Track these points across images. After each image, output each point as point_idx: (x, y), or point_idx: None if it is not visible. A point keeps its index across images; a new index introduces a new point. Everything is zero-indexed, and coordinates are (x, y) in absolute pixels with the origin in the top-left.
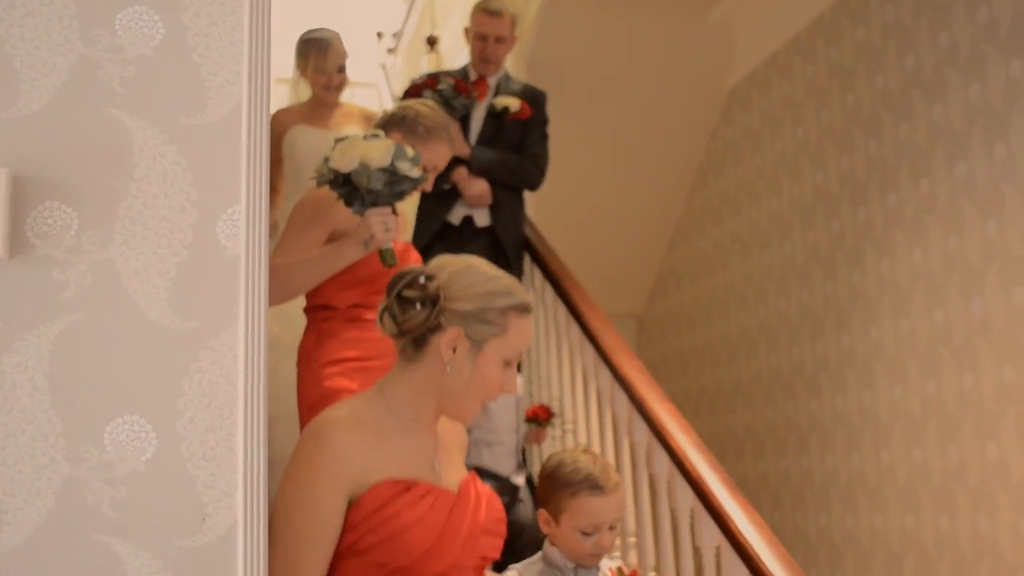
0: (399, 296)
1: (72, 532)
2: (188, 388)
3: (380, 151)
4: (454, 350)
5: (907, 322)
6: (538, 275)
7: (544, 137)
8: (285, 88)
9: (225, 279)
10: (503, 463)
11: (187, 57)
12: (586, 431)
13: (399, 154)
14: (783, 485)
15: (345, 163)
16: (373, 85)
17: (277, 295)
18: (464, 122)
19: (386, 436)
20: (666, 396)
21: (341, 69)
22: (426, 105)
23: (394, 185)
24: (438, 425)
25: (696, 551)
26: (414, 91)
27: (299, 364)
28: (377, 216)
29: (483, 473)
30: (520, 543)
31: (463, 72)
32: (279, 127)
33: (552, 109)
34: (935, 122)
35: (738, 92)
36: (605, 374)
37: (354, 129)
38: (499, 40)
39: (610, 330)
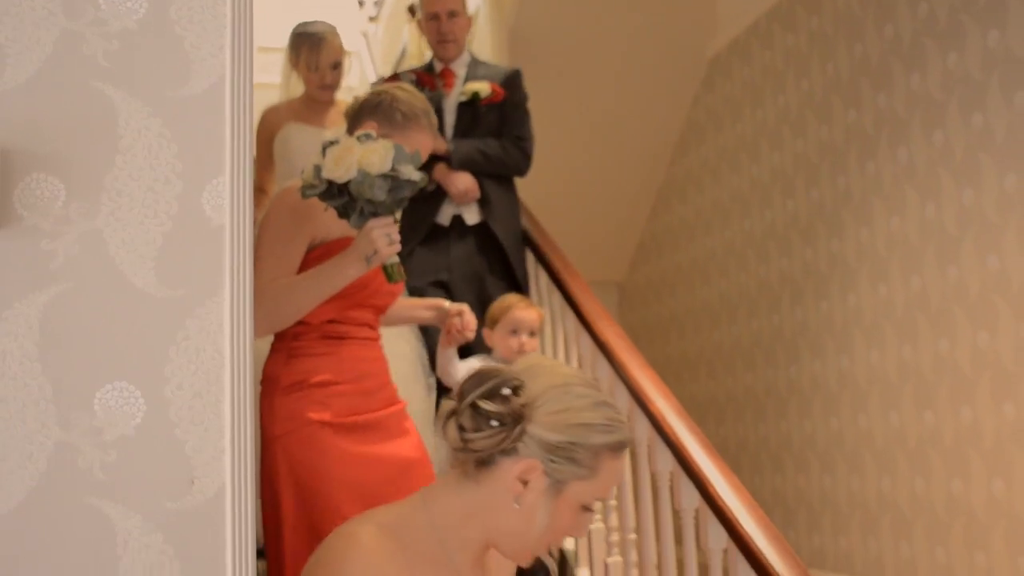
0: (473, 407)
1: (64, 495)
2: (175, 355)
3: (379, 155)
4: (525, 483)
5: (885, 288)
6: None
7: (525, 116)
8: (267, 57)
9: (210, 249)
10: None
11: (170, 30)
12: None
13: (399, 156)
14: (762, 449)
15: (341, 172)
16: (355, 54)
17: (266, 322)
18: (437, 117)
19: (425, 566)
20: (647, 362)
21: (336, 66)
22: (403, 89)
23: (395, 192)
24: (488, 557)
25: (676, 514)
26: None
27: (263, 386)
28: (380, 228)
29: None
30: None
31: (427, 67)
32: (270, 126)
33: (534, 78)
34: (913, 91)
35: (719, 60)
36: (586, 340)
37: None
38: (452, 15)
39: (591, 297)
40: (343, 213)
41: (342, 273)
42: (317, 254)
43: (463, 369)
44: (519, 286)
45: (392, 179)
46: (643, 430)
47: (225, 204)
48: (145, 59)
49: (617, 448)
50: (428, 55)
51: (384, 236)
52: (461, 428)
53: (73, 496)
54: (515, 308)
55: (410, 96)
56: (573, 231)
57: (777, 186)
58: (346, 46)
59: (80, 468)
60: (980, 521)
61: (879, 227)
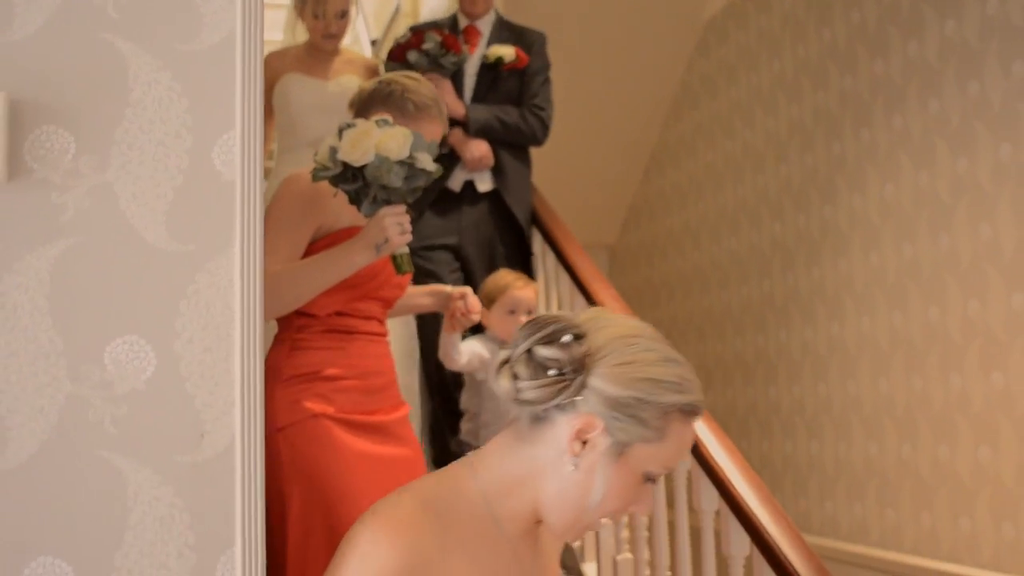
0: (530, 353)
1: (75, 448)
2: (186, 309)
3: (398, 141)
4: (584, 443)
5: (877, 256)
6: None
7: (546, 84)
8: (277, 14)
9: (221, 203)
10: None
11: None
12: None
13: (418, 144)
14: (751, 414)
15: (358, 155)
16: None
17: (269, 307)
18: (456, 78)
19: (477, 542)
20: None
21: (342, 15)
22: (411, 78)
23: (411, 180)
24: (541, 532)
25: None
26: (398, 52)
27: (266, 380)
28: (392, 216)
29: None
30: None
31: (451, 21)
32: (271, 74)
33: None
34: (910, 58)
35: (715, 24)
36: (580, 303)
37: (352, 80)
38: None
39: (586, 259)
40: (355, 199)
41: (349, 260)
42: (324, 243)
43: (466, 352)
44: (529, 256)
45: (409, 166)
46: None
47: (236, 159)
48: (155, 12)
49: (689, 411)
50: (425, 12)
51: (396, 224)
52: (515, 377)
53: (84, 449)
54: (512, 287)
55: (421, 86)
56: (565, 194)
57: (771, 152)
58: None
59: (91, 421)
60: (966, 487)
61: (872, 194)
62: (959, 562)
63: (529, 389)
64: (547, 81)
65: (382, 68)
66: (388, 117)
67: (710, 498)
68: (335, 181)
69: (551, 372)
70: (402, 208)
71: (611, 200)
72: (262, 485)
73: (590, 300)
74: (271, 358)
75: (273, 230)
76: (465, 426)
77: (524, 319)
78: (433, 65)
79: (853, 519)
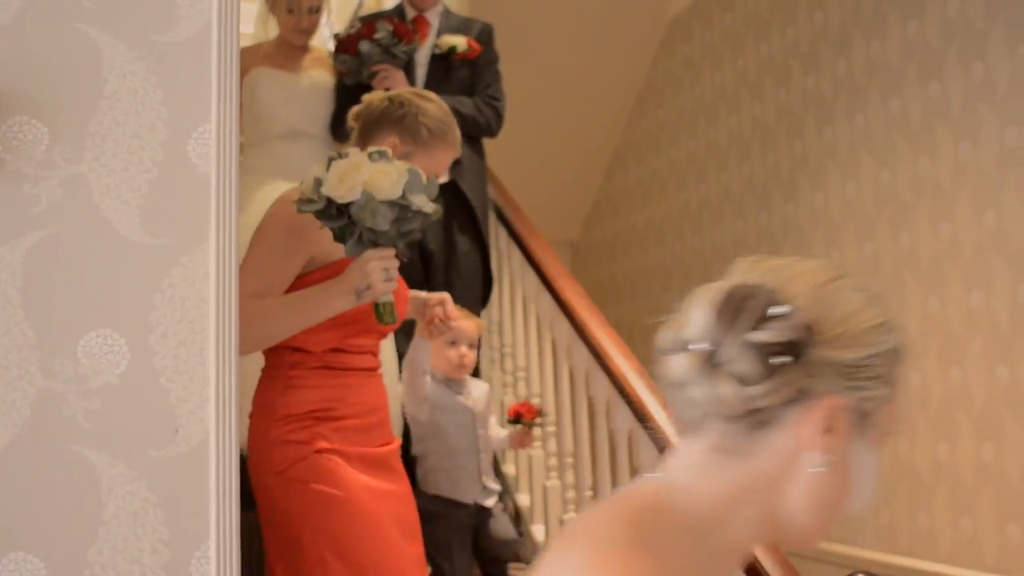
0: (745, 343)
1: (48, 442)
2: (160, 303)
3: (390, 178)
4: (828, 432)
5: (838, 253)
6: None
7: (497, 75)
8: (253, 6)
9: (196, 197)
10: (466, 489)
11: None
12: (525, 355)
13: (414, 183)
14: None
15: (344, 191)
16: None
17: (241, 341)
18: (407, 70)
19: None
20: (607, 322)
21: (315, 10)
22: (424, 97)
23: (402, 222)
24: None
25: (633, 470)
26: (349, 43)
27: (255, 419)
28: (377, 261)
29: (444, 502)
30: (501, 557)
31: (398, 11)
32: (240, 69)
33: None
34: (872, 58)
35: (679, 22)
36: (546, 299)
37: (323, 75)
38: None
39: (552, 256)
40: (339, 237)
41: (327, 304)
42: (315, 276)
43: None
44: (486, 248)
45: (401, 208)
46: (603, 388)
47: (211, 152)
48: (131, 2)
49: (905, 351)
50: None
51: (381, 271)
52: (742, 381)
53: (57, 444)
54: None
55: (434, 107)
56: (528, 189)
57: (733, 149)
58: None
59: (64, 416)
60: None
61: (834, 192)
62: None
63: (766, 391)
64: (498, 73)
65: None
66: (396, 140)
67: None
68: (319, 215)
69: (777, 360)
70: (390, 252)
71: (575, 196)
72: (236, 480)
73: (556, 296)
74: (262, 396)
75: (255, 256)
76: (419, 472)
77: (466, 350)
78: (385, 55)
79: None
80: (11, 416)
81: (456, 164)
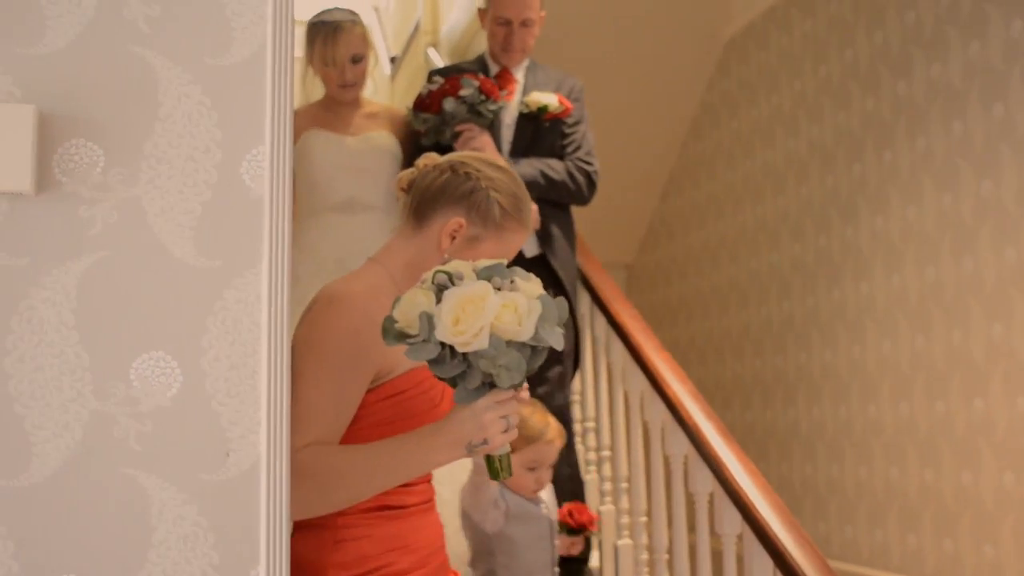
0: None
1: (99, 464)
2: (212, 326)
3: (520, 314)
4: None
5: (898, 278)
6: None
7: (588, 134)
8: (302, 30)
9: (249, 219)
10: None
11: None
12: (579, 379)
13: (547, 314)
14: (769, 436)
15: (468, 337)
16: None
17: (304, 504)
18: (491, 128)
19: None
20: (662, 345)
21: (357, 59)
22: (491, 164)
23: (531, 362)
24: None
25: (689, 497)
26: (431, 100)
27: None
28: (496, 410)
29: None
30: None
31: (479, 63)
32: None
33: (547, 59)
34: (933, 80)
35: (735, 44)
36: (601, 321)
37: (382, 136)
38: (525, 24)
39: (606, 278)
40: (452, 382)
41: (426, 461)
42: (382, 392)
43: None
44: (576, 325)
45: (532, 349)
46: (658, 412)
47: (265, 174)
48: (186, 26)
49: None
50: (443, 32)
51: (501, 421)
52: None
53: (108, 466)
54: (542, 439)
55: (509, 180)
56: (583, 211)
57: (791, 172)
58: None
59: (116, 438)
60: (989, 513)
61: (894, 216)
62: None
63: None
64: (590, 133)
65: (411, 119)
66: (462, 220)
67: (732, 521)
68: (428, 360)
69: None
70: (509, 395)
71: (630, 218)
72: (287, 505)
73: (610, 319)
74: (303, 550)
75: (310, 375)
76: None
77: (545, 476)
78: (471, 114)
79: (874, 544)
80: (64, 438)
81: (546, 235)
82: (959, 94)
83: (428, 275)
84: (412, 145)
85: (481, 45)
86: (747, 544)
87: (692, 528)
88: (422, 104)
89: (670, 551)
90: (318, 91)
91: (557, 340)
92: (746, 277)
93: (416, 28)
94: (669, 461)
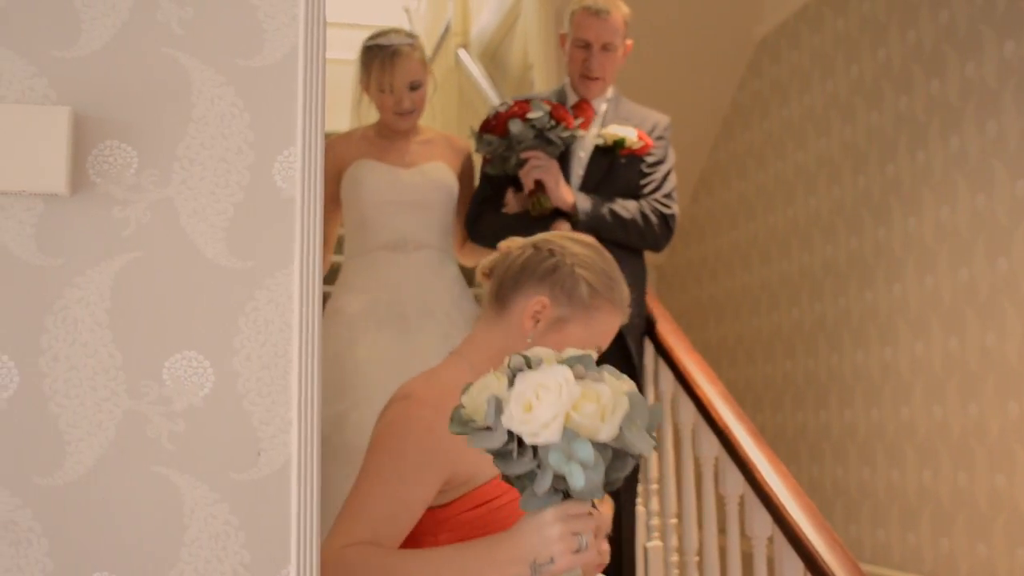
0: None
1: (132, 463)
2: (244, 326)
3: (605, 411)
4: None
5: (932, 279)
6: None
7: (670, 176)
8: (339, 32)
9: (281, 220)
10: None
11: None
12: None
13: (635, 413)
14: (800, 438)
15: (536, 428)
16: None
17: None
18: (562, 162)
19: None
20: (693, 346)
21: (415, 86)
22: (580, 242)
23: (613, 470)
24: None
25: (719, 499)
26: (498, 122)
27: None
28: (565, 524)
29: None
30: None
31: (559, 93)
32: (337, 161)
33: None
34: (967, 79)
35: (767, 43)
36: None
37: (439, 168)
38: (606, 48)
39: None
40: (521, 485)
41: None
42: (470, 503)
43: None
44: (635, 372)
45: (614, 452)
46: (688, 414)
47: (296, 175)
48: (219, 28)
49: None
50: (469, 33)
51: (573, 538)
52: None
53: (141, 465)
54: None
55: (597, 256)
56: None
57: (823, 173)
58: (388, 22)
59: (148, 437)
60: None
61: (927, 217)
62: None
63: None
64: (671, 173)
65: (472, 145)
66: (546, 300)
67: (763, 524)
68: (493, 452)
69: None
70: (586, 507)
71: None
72: (318, 505)
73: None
74: None
75: (375, 474)
76: None
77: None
78: (539, 140)
79: (906, 547)
80: (98, 437)
81: None
82: (994, 93)
83: (506, 360)
84: (472, 176)
85: (512, 48)
86: (778, 547)
87: (722, 530)
88: (487, 126)
89: (700, 553)
90: (372, 116)
91: (646, 446)
92: (777, 278)
93: (447, 29)
94: (699, 463)
